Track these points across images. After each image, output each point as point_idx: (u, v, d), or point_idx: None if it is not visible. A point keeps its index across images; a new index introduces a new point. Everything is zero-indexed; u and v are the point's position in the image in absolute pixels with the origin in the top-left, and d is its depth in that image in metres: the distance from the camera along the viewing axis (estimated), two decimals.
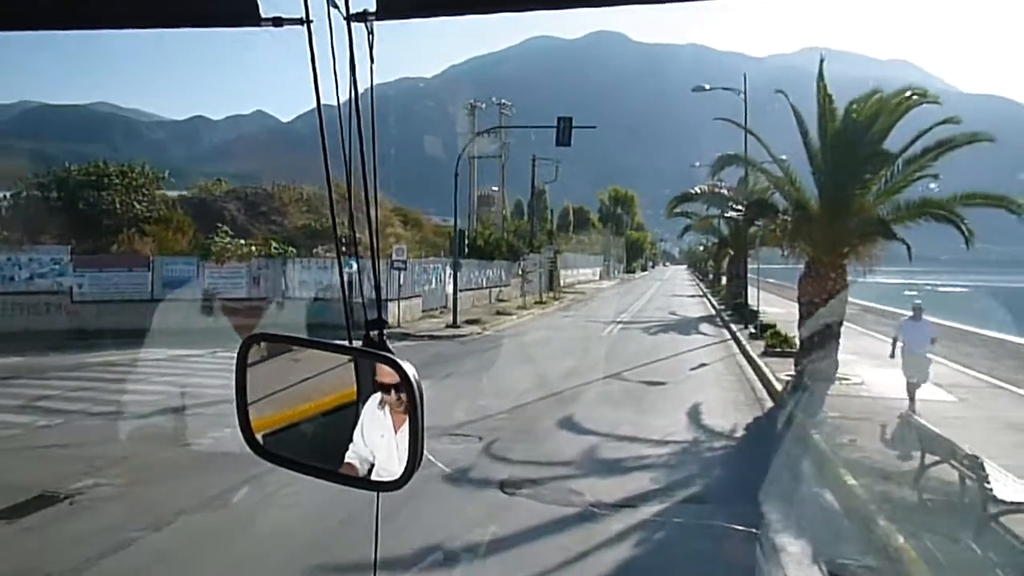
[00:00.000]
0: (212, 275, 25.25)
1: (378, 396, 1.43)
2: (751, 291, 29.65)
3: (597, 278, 75.59)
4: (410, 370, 1.37)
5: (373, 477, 1.47)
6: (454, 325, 26.48)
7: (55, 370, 17.37)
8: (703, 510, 8.00)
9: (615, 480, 9.01)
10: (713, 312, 37.90)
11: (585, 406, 13.57)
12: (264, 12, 1.28)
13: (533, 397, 14.06)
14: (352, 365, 1.46)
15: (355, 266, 1.64)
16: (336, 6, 1.26)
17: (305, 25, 1.24)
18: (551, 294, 44.60)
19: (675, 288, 65.35)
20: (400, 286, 26.47)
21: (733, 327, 27.77)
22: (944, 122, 14.69)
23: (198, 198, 31.63)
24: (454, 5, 1.34)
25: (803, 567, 6.68)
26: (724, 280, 48.08)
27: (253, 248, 26.03)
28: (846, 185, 14.54)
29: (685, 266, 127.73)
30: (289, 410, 1.55)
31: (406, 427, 1.41)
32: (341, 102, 1.35)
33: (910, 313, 13.25)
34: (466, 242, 30.91)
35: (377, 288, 1.49)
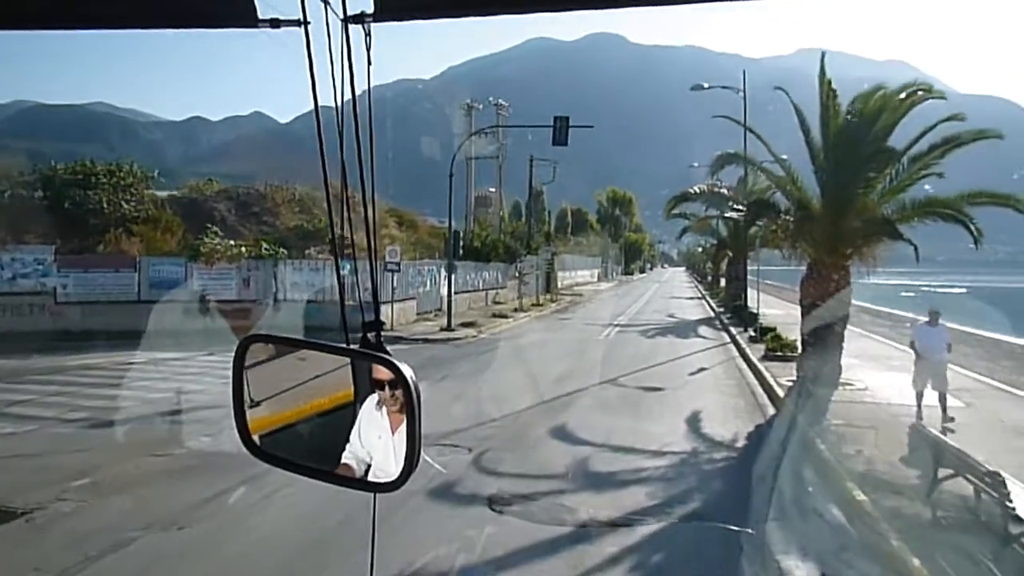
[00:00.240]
0: (201, 276, 24.71)
1: (375, 397, 1.42)
2: (750, 293, 29.18)
3: (595, 280, 75.08)
4: (407, 371, 1.36)
5: (370, 478, 1.46)
6: (449, 328, 25.97)
7: (33, 373, 16.86)
8: (703, 529, 7.50)
9: (610, 495, 8.50)
10: (712, 314, 37.42)
11: (580, 413, 13.07)
12: (261, 13, 1.27)
13: (526, 403, 13.54)
14: (349, 366, 1.45)
15: (348, 268, 1.70)
16: (333, 8, 1.26)
17: (302, 27, 1.24)
18: (548, 296, 44.09)
19: (673, 290, 64.87)
20: (393, 288, 25.96)
21: (732, 330, 27.29)
22: (949, 119, 14.24)
23: (188, 198, 31.06)
24: (451, 7, 1.33)
25: None
26: (723, 282, 47.63)
27: (243, 249, 25.50)
28: (849, 184, 14.06)
29: (683, 268, 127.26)
30: (286, 411, 1.54)
31: (403, 428, 1.40)
32: (338, 104, 1.34)
33: (924, 318, 12.72)
34: (462, 244, 30.39)
35: (375, 289, 1.49)
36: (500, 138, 49.07)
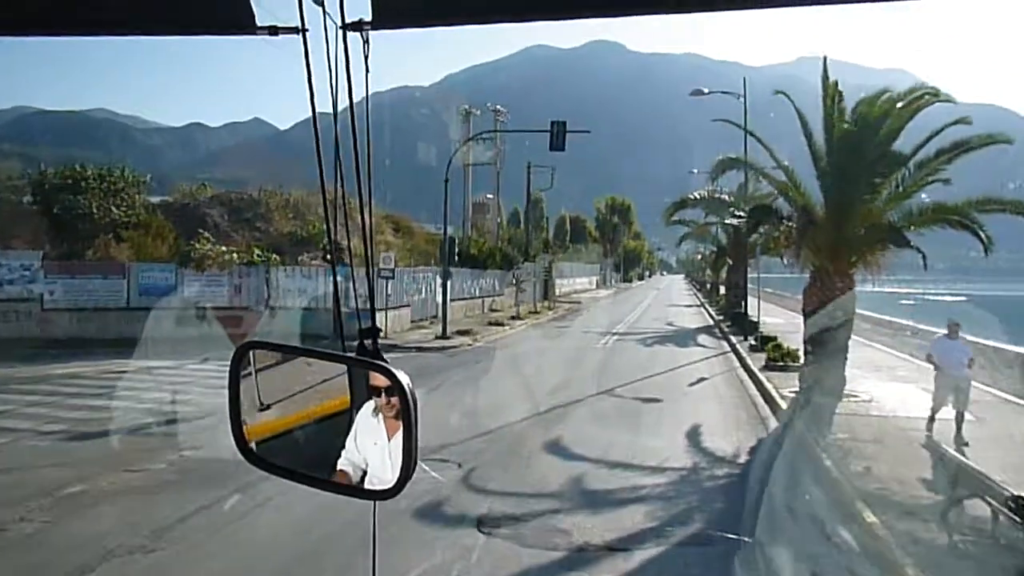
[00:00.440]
0: (191, 283, 24.26)
1: (372, 404, 1.41)
2: (751, 301, 28.74)
3: (594, 287, 74.65)
4: (403, 378, 1.35)
5: (366, 485, 1.45)
6: (444, 336, 25.53)
7: (15, 382, 16.38)
8: (705, 554, 7.05)
9: (606, 516, 8.03)
10: (711, 323, 37.00)
11: (576, 426, 12.62)
12: (260, 21, 1.28)
13: (520, 415, 13.08)
14: (346, 373, 1.46)
15: (338, 275, 2.81)
16: (331, 15, 1.27)
17: (301, 34, 1.24)
18: (546, 304, 43.65)
19: (672, 297, 64.47)
20: (388, 295, 25.52)
21: (732, 339, 26.85)
22: (957, 122, 13.86)
23: (180, 203, 30.61)
24: (449, 16, 1.32)
25: None
26: (722, 290, 47.20)
27: (235, 255, 25.04)
28: (854, 189, 13.65)
29: (682, 275, 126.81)
30: (282, 418, 1.53)
31: (399, 435, 1.39)
32: (336, 111, 1.34)
33: (928, 327, 12.21)
34: (458, 250, 29.95)
35: (371, 295, 1.53)
36: (498, 144, 48.74)
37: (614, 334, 29.37)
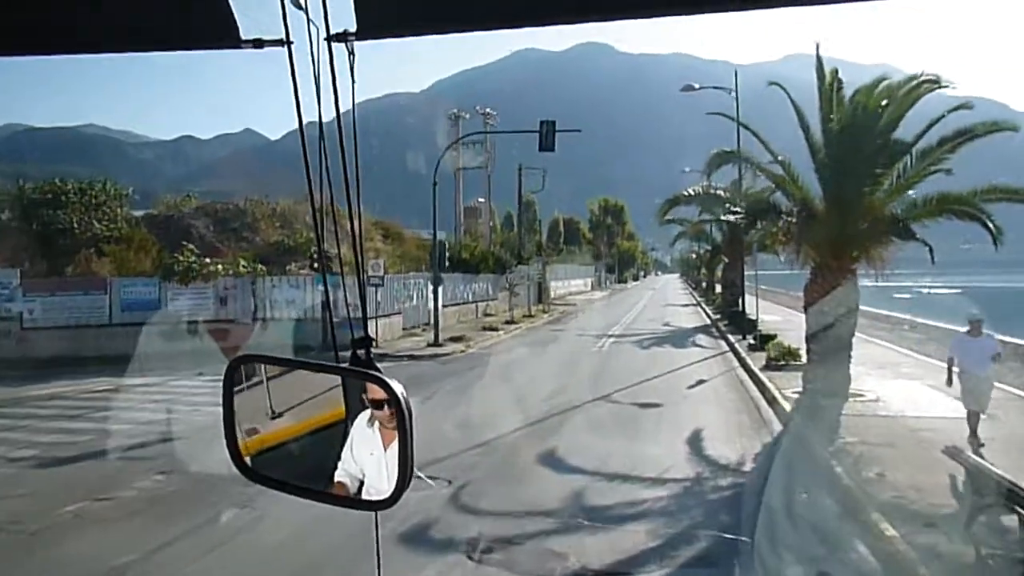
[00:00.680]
0: (175, 297, 23.66)
1: (367, 414, 1.41)
2: (748, 299, 28.24)
3: (588, 289, 74.14)
4: (398, 388, 1.35)
5: (364, 495, 1.44)
6: (436, 343, 24.94)
7: None
8: None
9: (605, 536, 7.47)
10: (708, 322, 36.49)
11: (572, 435, 12.07)
12: (244, 34, 1.29)
13: (514, 425, 12.52)
14: (340, 384, 1.45)
15: (325, 284, 2.12)
16: (316, 27, 1.26)
17: (286, 46, 1.25)
18: (540, 307, 43.08)
19: (668, 297, 63.96)
20: (378, 303, 24.96)
21: (731, 338, 26.33)
22: (959, 107, 13.38)
23: (164, 216, 29.98)
24: (433, 25, 1.33)
25: None
26: (718, 288, 46.72)
27: (220, 267, 24.43)
28: (854, 181, 13.12)
29: (677, 274, 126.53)
30: (277, 431, 1.52)
31: (395, 444, 1.39)
32: (324, 121, 1.35)
33: (964, 328, 11.23)
34: (448, 255, 29.40)
35: (363, 304, 1.50)
36: (488, 147, 48.26)
37: (610, 336, 28.83)
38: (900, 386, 15.75)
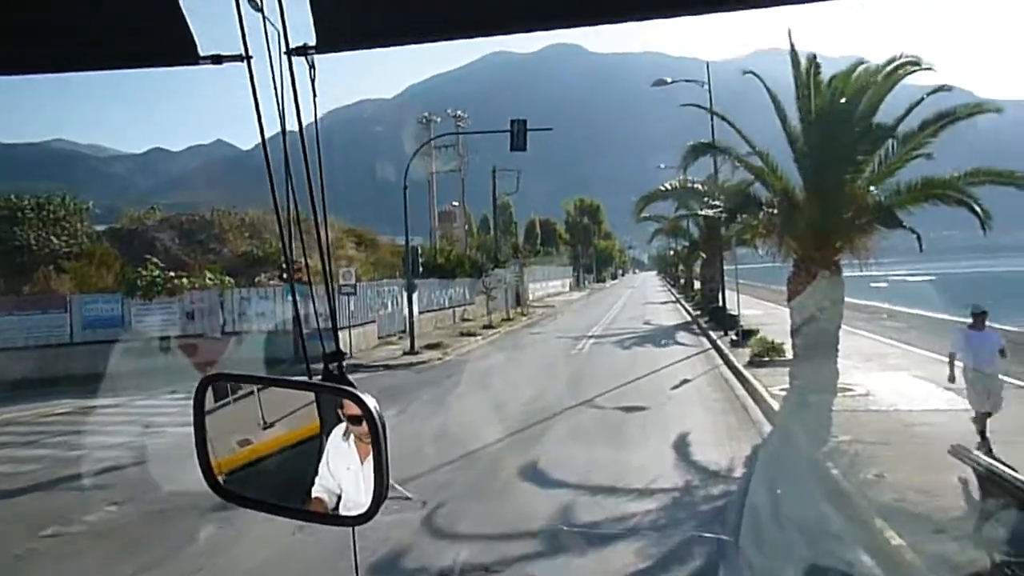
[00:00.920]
0: (139, 313, 22.78)
1: (343, 427, 1.40)
2: (728, 294, 27.89)
3: (567, 289, 73.73)
4: (371, 402, 1.35)
5: (341, 510, 1.43)
6: (412, 352, 24.26)
7: None
8: None
9: (591, 559, 6.89)
10: (689, 319, 36.14)
11: (554, 445, 11.49)
12: (203, 50, 1.29)
13: (494, 436, 11.90)
14: (314, 399, 1.44)
15: (297, 295, 2.16)
16: (276, 41, 1.28)
17: (245, 61, 1.25)
18: (519, 310, 42.49)
19: (647, 295, 63.73)
20: (350, 312, 24.25)
21: (712, 334, 25.93)
22: (937, 90, 12.97)
23: (127, 229, 29.01)
24: (392, 37, 1.32)
25: None
26: (696, 284, 46.48)
27: (185, 280, 23.57)
28: (836, 169, 12.67)
29: (655, 272, 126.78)
30: (251, 448, 1.51)
31: (372, 458, 1.38)
32: (290, 133, 1.36)
33: (967, 321, 10.42)
34: (421, 260, 28.72)
35: (333, 318, 1.51)
36: (460, 150, 47.67)
37: (590, 337, 28.31)
38: (889, 378, 15.37)
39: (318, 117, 1.41)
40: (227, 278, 24.56)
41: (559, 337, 29.34)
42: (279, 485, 1.51)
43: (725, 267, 28.74)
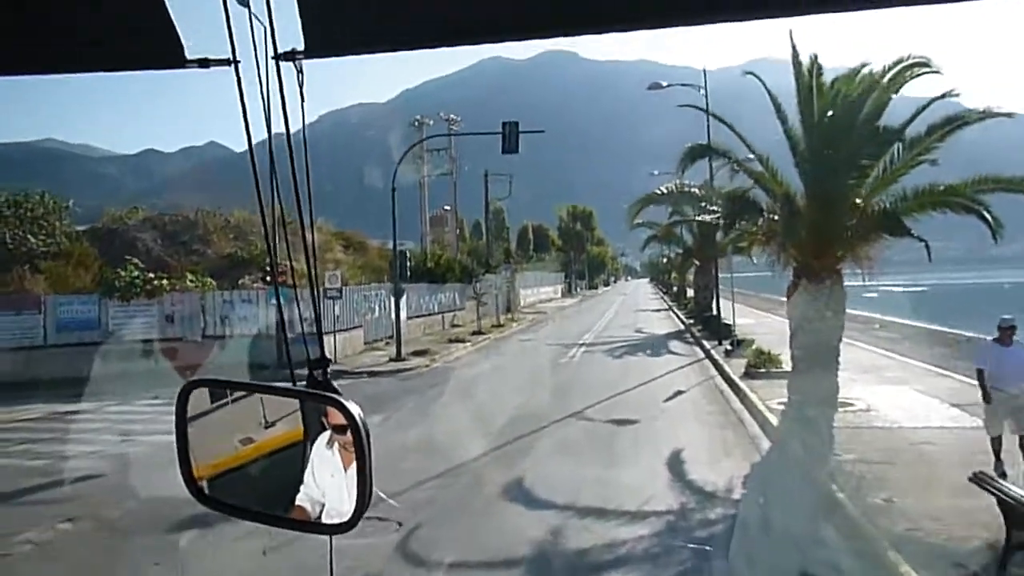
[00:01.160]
0: (117, 314, 22.07)
1: (327, 435, 1.39)
2: (722, 303, 27.38)
3: (559, 296, 73.21)
4: (355, 409, 1.34)
5: (324, 518, 1.41)
6: (398, 358, 23.62)
7: None
8: None
9: None
10: (682, 327, 35.63)
11: (541, 461, 10.88)
12: (190, 54, 1.28)
13: (477, 451, 11.29)
14: (297, 405, 1.43)
15: (281, 299, 1.79)
16: (264, 46, 1.27)
17: (233, 65, 1.24)
18: (509, 316, 41.89)
19: (639, 302, 63.26)
20: (337, 317, 23.61)
21: (706, 344, 25.41)
22: (944, 95, 12.45)
23: (108, 229, 28.24)
24: (381, 44, 1.30)
25: None
26: (689, 292, 46.04)
27: (165, 282, 22.88)
28: (839, 174, 12.12)
29: (647, 279, 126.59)
30: (234, 455, 1.49)
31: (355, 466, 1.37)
32: (283, 137, 1.35)
33: (992, 336, 9.72)
34: (410, 264, 28.13)
35: (318, 323, 1.46)
36: (452, 152, 47.18)
37: (582, 345, 27.74)
38: (889, 392, 14.86)
39: (308, 121, 1.38)
40: (209, 280, 23.87)
41: (550, 344, 28.76)
42: (262, 492, 1.49)
43: (721, 275, 28.22)
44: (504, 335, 33.82)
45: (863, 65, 12.94)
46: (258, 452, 1.47)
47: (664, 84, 26.61)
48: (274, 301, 22.65)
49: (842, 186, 12.17)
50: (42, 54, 1.35)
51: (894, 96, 12.43)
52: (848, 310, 25.10)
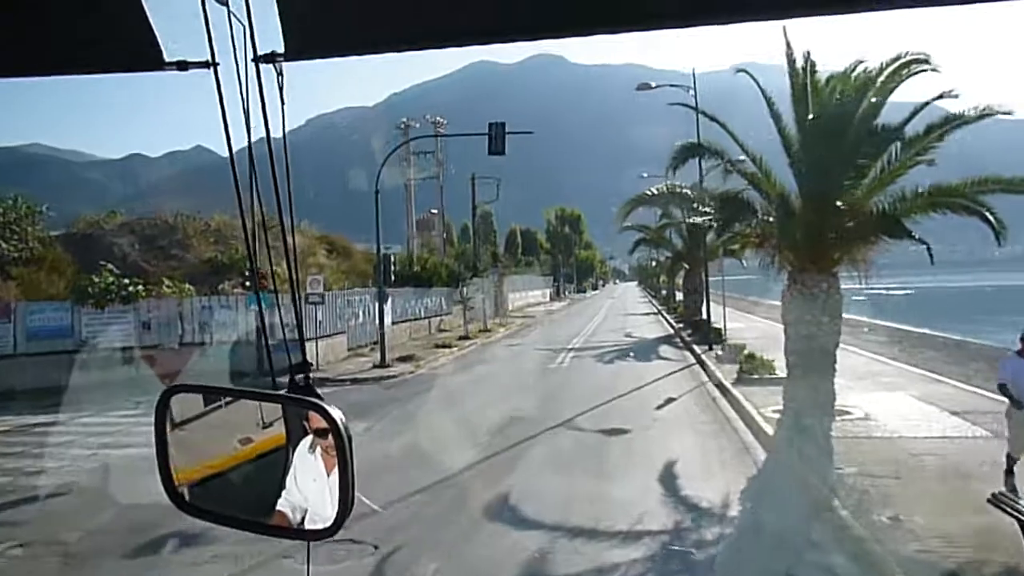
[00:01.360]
0: (91, 322, 21.39)
1: (308, 440, 1.38)
2: (713, 307, 26.99)
3: (547, 299, 72.74)
4: (336, 415, 1.32)
5: (307, 523, 1.40)
6: (383, 364, 23.07)
7: None
8: None
9: None
10: (671, 331, 35.23)
11: (528, 475, 10.38)
12: (168, 56, 1.27)
13: (461, 464, 10.77)
14: (280, 410, 1.42)
15: (260, 305, 3.03)
16: (244, 48, 1.27)
17: (211, 68, 1.24)
18: (497, 320, 41.37)
19: (628, 306, 62.91)
20: (319, 322, 23.03)
21: (696, 348, 24.98)
22: (941, 96, 12.06)
23: (83, 234, 27.47)
24: (362, 46, 1.29)
25: None
26: (679, 295, 45.70)
27: (141, 288, 22.21)
28: (835, 175, 11.70)
29: (636, 282, 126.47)
30: (214, 460, 1.48)
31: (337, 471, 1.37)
32: (251, 142, 1.35)
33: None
34: (395, 268, 27.58)
35: (300, 327, 1.46)
36: (438, 155, 46.69)
37: (570, 350, 27.26)
38: (887, 400, 14.47)
39: (294, 124, 0.87)
40: (187, 286, 23.23)
41: (538, 349, 28.25)
42: (244, 499, 1.47)
43: (713, 279, 27.85)
44: (492, 340, 33.30)
45: (859, 62, 12.55)
46: (240, 458, 1.45)
47: (653, 85, 26.22)
48: (255, 307, 22.13)
49: (839, 187, 11.76)
50: (17, 56, 1.33)
51: (894, 96, 12.12)
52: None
